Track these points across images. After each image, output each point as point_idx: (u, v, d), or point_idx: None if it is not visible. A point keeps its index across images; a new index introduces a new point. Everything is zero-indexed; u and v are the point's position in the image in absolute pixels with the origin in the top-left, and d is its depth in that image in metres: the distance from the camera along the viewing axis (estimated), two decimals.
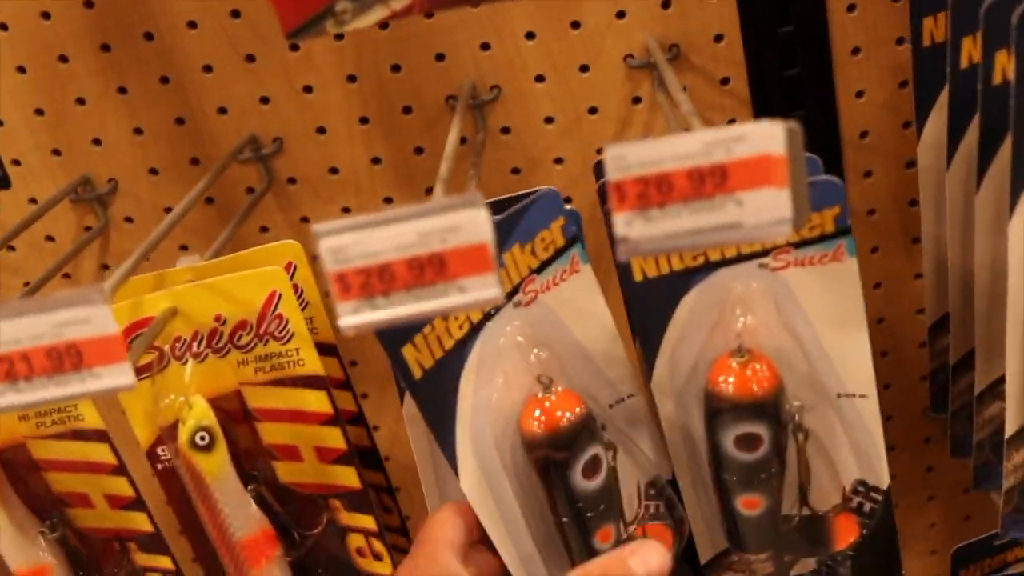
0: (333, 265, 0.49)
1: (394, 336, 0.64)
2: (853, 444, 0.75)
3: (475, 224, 0.49)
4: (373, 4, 0.56)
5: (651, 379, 0.75)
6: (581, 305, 0.73)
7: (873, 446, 0.75)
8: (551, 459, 0.71)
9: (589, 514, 0.72)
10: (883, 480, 0.76)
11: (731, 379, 0.72)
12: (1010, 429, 0.72)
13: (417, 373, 0.66)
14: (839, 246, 0.70)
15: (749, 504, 0.75)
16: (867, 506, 0.77)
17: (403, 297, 0.50)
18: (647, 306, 0.73)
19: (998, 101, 0.64)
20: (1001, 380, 0.72)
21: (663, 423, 0.76)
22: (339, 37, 0.84)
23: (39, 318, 0.52)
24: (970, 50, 0.69)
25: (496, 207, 0.68)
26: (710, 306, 0.73)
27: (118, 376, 0.53)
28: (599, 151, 0.88)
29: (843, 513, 0.77)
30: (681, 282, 0.72)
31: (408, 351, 0.65)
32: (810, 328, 0.73)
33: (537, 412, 0.71)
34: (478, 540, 0.70)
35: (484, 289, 0.50)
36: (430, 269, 0.49)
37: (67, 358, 0.53)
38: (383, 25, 0.84)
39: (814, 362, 0.73)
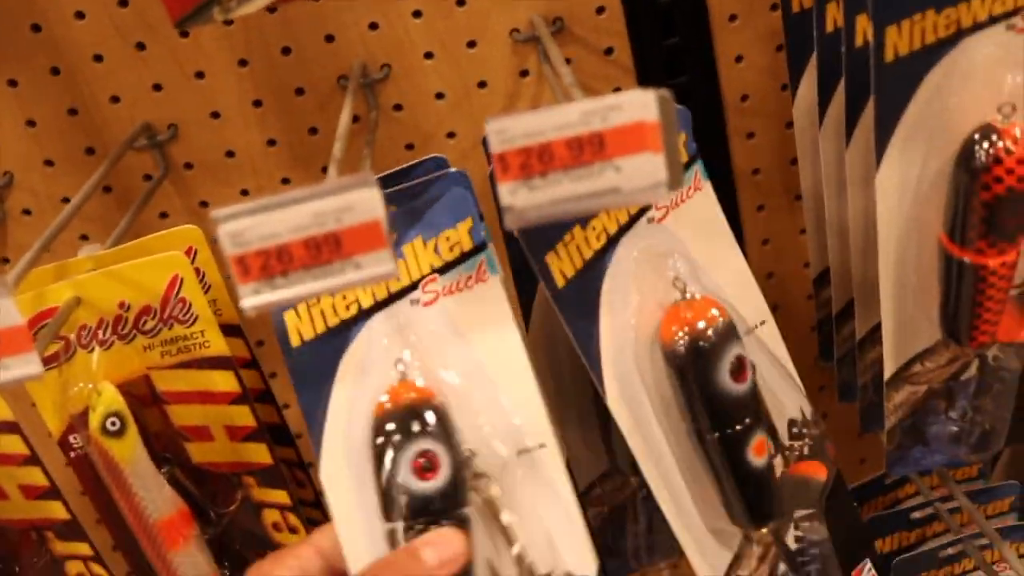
0: (232, 248, 0.51)
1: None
2: (775, 380, 0.75)
3: (368, 203, 0.51)
4: None
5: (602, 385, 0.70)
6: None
7: (790, 376, 0.76)
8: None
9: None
10: (808, 410, 0.76)
11: (697, 320, 0.68)
12: (888, 372, 0.76)
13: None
14: (695, 174, 0.73)
15: (759, 448, 0.70)
16: (807, 446, 0.75)
17: (302, 276, 0.52)
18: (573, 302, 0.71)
19: (860, 63, 0.67)
20: (878, 327, 0.76)
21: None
22: (228, 23, 0.85)
23: None
24: (834, 15, 0.73)
25: (387, 181, 0.70)
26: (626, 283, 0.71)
27: (25, 366, 0.55)
28: None
29: (804, 460, 0.75)
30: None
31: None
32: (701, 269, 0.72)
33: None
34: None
35: (378, 265, 0.52)
36: (326, 248, 0.51)
37: None
38: (271, 9, 0.85)
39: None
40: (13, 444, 0.74)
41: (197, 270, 0.72)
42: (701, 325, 0.68)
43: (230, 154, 0.91)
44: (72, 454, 0.75)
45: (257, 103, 0.89)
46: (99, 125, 0.89)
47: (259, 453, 0.76)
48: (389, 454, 0.63)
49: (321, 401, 0.65)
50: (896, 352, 0.76)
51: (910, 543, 0.98)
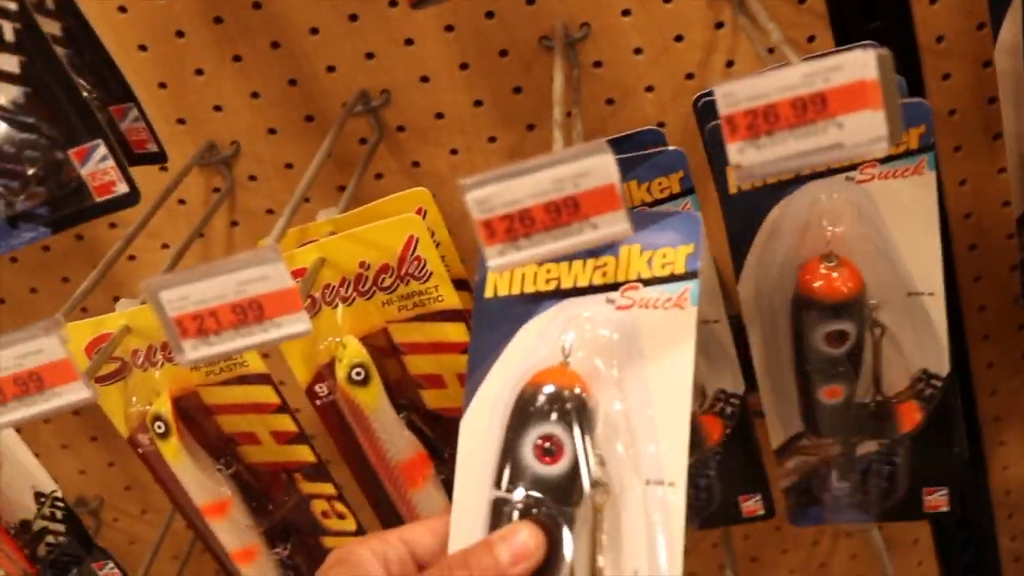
0: (479, 214, 0.56)
1: None
2: (920, 337, 0.81)
3: (603, 168, 0.55)
4: None
5: (739, 278, 0.81)
6: None
7: (937, 338, 0.81)
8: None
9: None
10: (944, 368, 0.81)
11: (823, 282, 0.79)
12: None
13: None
14: (921, 161, 0.75)
15: (831, 393, 0.82)
16: (928, 391, 0.83)
17: (543, 238, 0.56)
18: (740, 216, 0.79)
19: None
20: None
21: (746, 319, 0.83)
22: (448, 28, 0.91)
23: (224, 279, 0.60)
24: None
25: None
26: (799, 215, 0.79)
27: (296, 324, 0.61)
28: (689, 76, 0.93)
29: (908, 401, 0.83)
30: (773, 194, 0.78)
31: None
32: (887, 234, 0.79)
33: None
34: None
35: (615, 224, 0.56)
36: (566, 211, 0.56)
37: (250, 311, 0.60)
38: None
39: (890, 264, 0.79)
40: (265, 394, 0.81)
41: (428, 229, 0.77)
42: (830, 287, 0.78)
43: (439, 115, 0.96)
44: (318, 402, 0.81)
45: (464, 66, 0.94)
46: (317, 94, 0.95)
47: None
48: (519, 425, 0.63)
49: (490, 354, 0.67)
50: None
51: None
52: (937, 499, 0.89)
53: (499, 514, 0.63)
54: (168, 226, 1.03)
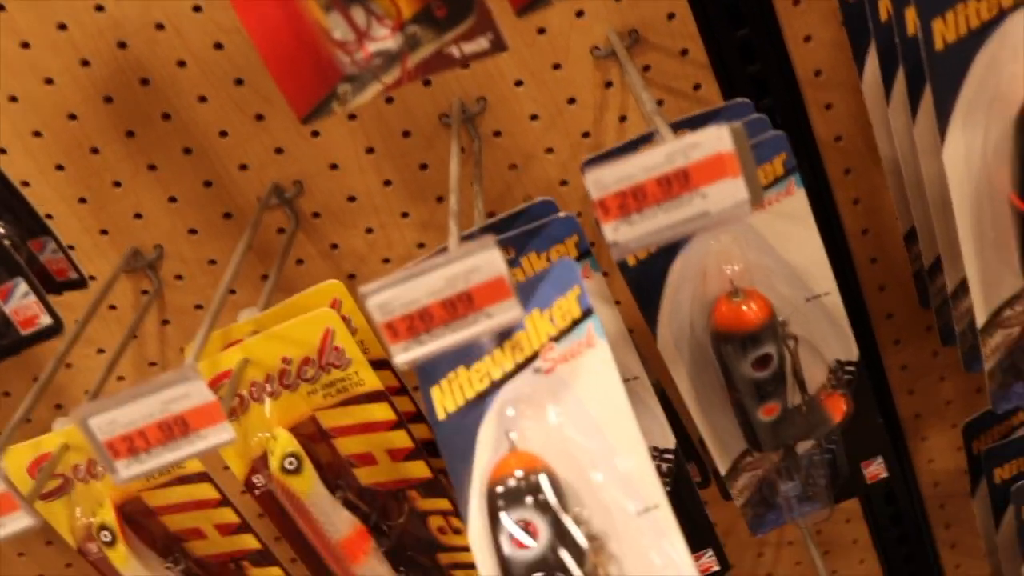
0: (381, 317, 0.60)
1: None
2: (827, 333, 0.89)
3: (491, 262, 0.59)
4: (369, 82, 0.66)
5: (656, 334, 0.87)
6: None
7: (841, 330, 0.88)
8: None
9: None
10: (853, 354, 0.90)
11: (737, 316, 0.85)
12: (980, 320, 0.82)
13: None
14: (790, 182, 0.82)
15: (768, 411, 0.88)
16: (845, 378, 0.90)
17: (442, 331, 0.60)
18: (644, 280, 0.84)
19: (914, 50, 0.73)
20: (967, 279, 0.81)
21: (670, 368, 0.89)
22: (351, 117, 0.95)
23: (149, 400, 0.63)
24: (886, 5, 0.78)
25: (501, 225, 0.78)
26: (697, 263, 0.86)
27: (220, 434, 0.64)
28: (585, 135, 0.98)
29: (832, 393, 0.91)
30: (669, 253, 0.85)
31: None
32: (776, 254, 0.86)
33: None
34: None
35: (508, 312, 0.60)
36: (460, 305, 0.60)
37: (176, 427, 0.64)
38: (388, 99, 0.94)
39: (786, 280, 0.86)
40: (205, 491, 0.85)
41: (343, 317, 0.81)
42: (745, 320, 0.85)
43: (352, 199, 1.00)
44: (256, 492, 0.85)
45: (370, 150, 0.98)
46: (232, 191, 0.99)
47: (419, 469, 0.85)
48: (497, 523, 0.67)
49: (467, 467, 0.72)
50: (985, 301, 0.81)
51: None
52: (875, 469, 0.96)
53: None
54: (102, 332, 1.06)
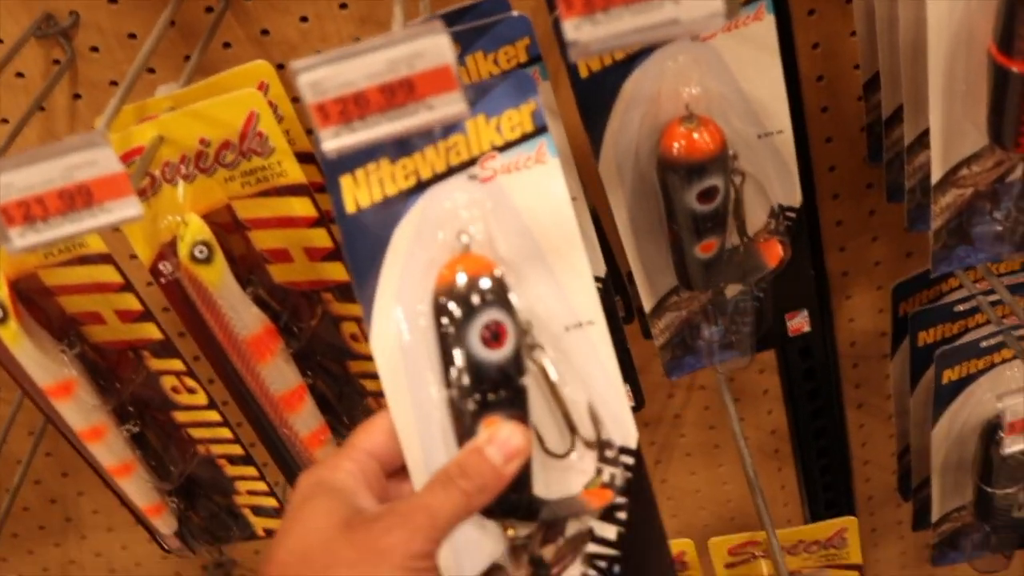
0: (313, 97, 0.54)
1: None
2: (774, 175, 0.85)
3: (438, 48, 0.54)
4: None
5: (598, 156, 0.82)
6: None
7: (789, 173, 0.85)
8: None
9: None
10: (796, 200, 0.87)
11: (688, 143, 0.81)
12: (935, 176, 0.79)
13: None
14: (760, 6, 0.78)
15: (706, 248, 0.86)
16: (785, 224, 0.88)
17: (378, 119, 0.55)
18: (594, 95, 0.79)
19: None
20: (927, 132, 0.78)
21: (608, 194, 0.84)
22: None
23: (50, 164, 0.58)
24: None
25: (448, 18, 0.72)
26: (651, 83, 0.81)
27: (127, 208, 0.59)
28: None
29: (769, 238, 0.88)
30: (623, 69, 0.79)
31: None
32: (735, 84, 0.81)
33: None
34: (401, 469, 0.65)
35: (451, 105, 0.55)
36: (400, 92, 0.55)
37: (78, 197, 0.58)
38: None
39: (741, 112, 0.83)
40: (108, 273, 0.80)
41: (270, 103, 0.75)
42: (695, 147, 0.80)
43: None
44: (163, 280, 0.80)
45: None
46: None
47: (336, 271, 0.81)
48: (456, 323, 0.63)
49: (371, 269, 0.65)
50: (944, 156, 0.78)
51: (952, 334, 1.02)
52: (799, 322, 0.95)
53: (461, 412, 0.63)
54: (7, 100, 0.99)
